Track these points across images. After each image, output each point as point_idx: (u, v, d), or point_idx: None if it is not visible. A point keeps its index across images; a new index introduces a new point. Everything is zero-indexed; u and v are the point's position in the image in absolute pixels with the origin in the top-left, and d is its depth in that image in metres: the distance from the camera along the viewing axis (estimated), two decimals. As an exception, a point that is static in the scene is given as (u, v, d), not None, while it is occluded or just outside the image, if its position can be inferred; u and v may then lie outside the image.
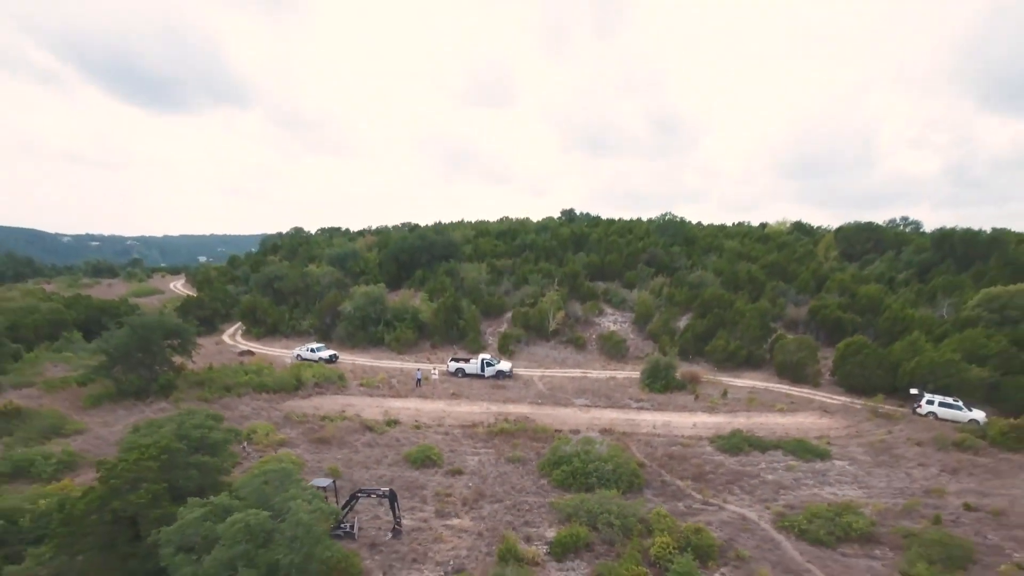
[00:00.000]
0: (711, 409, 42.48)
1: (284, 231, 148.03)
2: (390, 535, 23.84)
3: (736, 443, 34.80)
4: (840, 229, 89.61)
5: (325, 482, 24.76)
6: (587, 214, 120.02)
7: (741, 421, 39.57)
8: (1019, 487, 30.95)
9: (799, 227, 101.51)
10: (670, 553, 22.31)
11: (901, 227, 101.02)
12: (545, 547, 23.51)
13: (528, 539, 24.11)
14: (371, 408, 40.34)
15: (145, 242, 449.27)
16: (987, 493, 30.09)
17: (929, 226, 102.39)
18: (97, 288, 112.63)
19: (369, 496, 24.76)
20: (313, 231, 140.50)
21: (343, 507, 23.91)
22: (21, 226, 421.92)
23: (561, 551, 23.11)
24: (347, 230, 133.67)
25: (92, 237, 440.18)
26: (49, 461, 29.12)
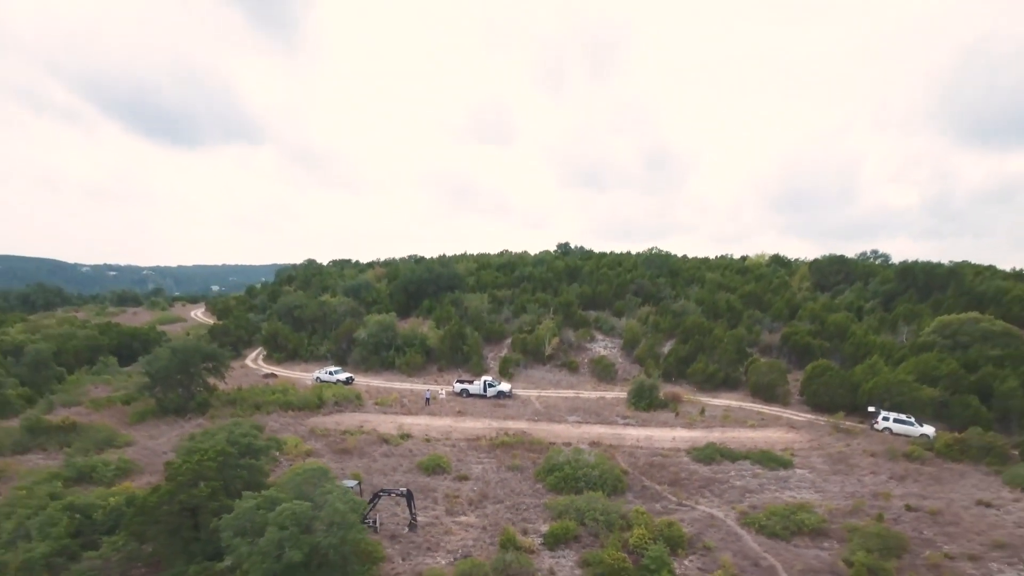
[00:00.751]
0: (689, 425, 45.54)
1: (295, 262, 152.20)
2: (407, 528, 26.84)
3: (709, 454, 37.84)
4: (814, 262, 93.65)
5: (351, 483, 27.84)
6: (581, 247, 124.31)
7: (716, 435, 42.61)
8: (957, 492, 33.98)
9: (777, 259, 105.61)
10: (646, 543, 25.30)
11: (871, 259, 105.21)
12: (540, 538, 26.51)
13: (525, 532, 27.10)
14: (386, 424, 43.43)
15: (160, 272, 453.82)
16: (928, 496, 33.09)
17: (906, 256, 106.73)
18: (123, 316, 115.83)
19: (389, 495, 27.84)
20: (324, 262, 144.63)
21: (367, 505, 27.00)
22: (43, 256, 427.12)
23: (553, 541, 26.10)
24: (357, 262, 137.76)
25: (110, 267, 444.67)
26: (108, 467, 32.20)
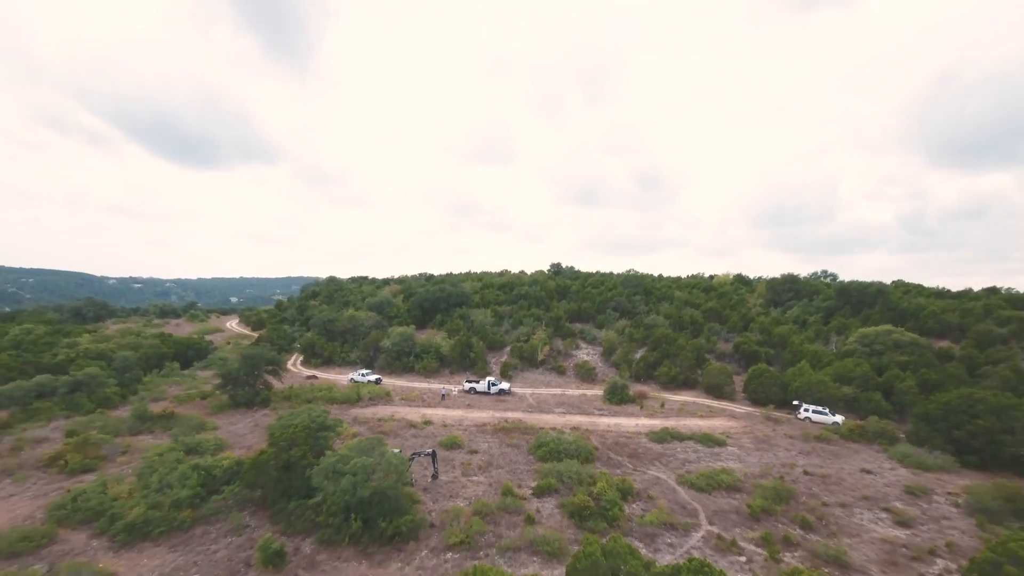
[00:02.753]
0: (651, 415, 53.85)
1: (307, 274, 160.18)
2: (431, 479, 35.12)
3: (662, 436, 46.12)
4: (770, 281, 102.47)
5: (395, 450, 36.12)
6: (571, 267, 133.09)
7: (671, 423, 50.91)
8: (849, 463, 42.21)
9: (740, 279, 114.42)
10: (605, 492, 33.54)
11: (821, 278, 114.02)
12: (530, 490, 34.74)
13: (519, 486, 35.31)
14: (411, 413, 51.70)
15: (181, 284, 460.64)
16: (824, 466, 41.34)
17: (883, 268, 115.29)
18: (167, 327, 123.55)
19: (421, 456, 36.12)
20: (340, 275, 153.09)
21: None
22: (72, 270, 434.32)
23: (539, 492, 34.32)
24: (374, 279, 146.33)
25: (134, 280, 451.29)
26: (208, 443, 40.39)
